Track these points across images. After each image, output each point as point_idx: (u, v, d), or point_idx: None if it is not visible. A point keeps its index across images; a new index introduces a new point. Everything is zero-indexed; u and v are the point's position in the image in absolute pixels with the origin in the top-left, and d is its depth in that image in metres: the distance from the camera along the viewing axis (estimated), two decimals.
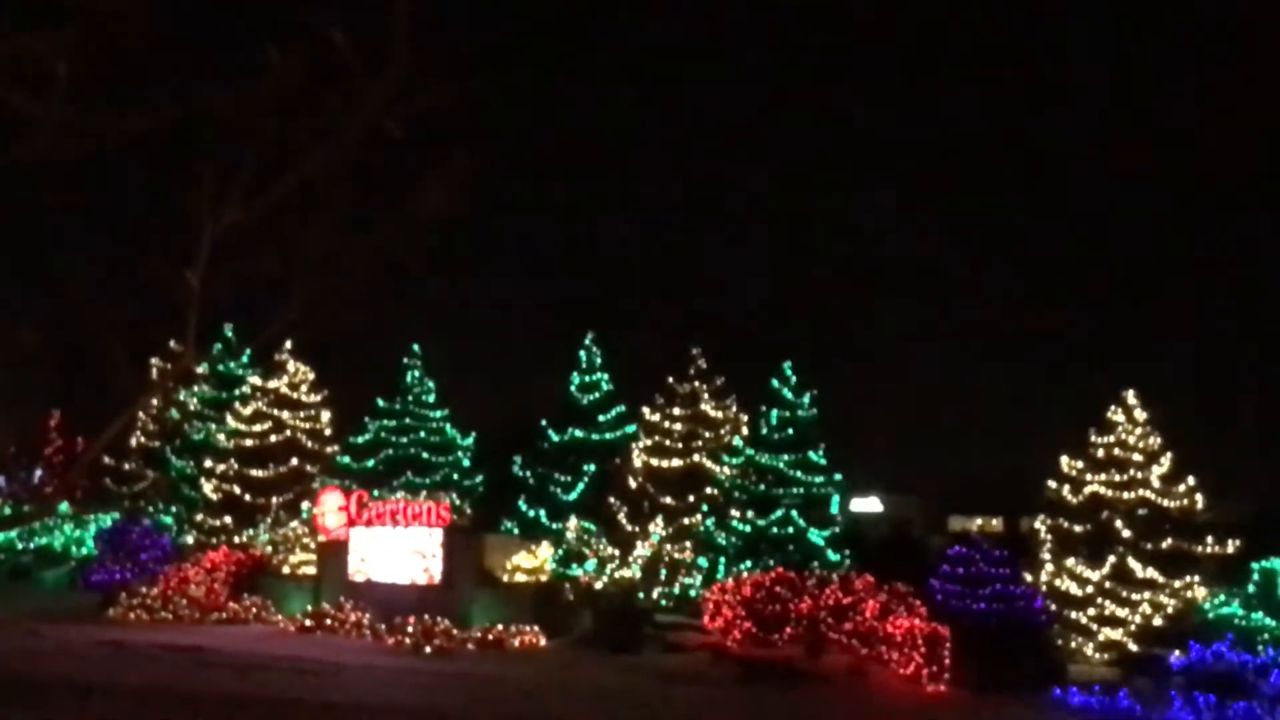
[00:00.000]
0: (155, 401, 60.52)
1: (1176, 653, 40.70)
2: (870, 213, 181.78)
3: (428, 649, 40.44)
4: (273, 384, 58.46)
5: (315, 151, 31.46)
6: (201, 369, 59.48)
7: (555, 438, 58.08)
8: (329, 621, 44.01)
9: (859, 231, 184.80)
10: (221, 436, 58.65)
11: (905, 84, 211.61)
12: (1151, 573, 47.42)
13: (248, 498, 56.62)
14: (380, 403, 58.67)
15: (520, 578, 46.50)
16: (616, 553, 48.12)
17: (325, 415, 59.35)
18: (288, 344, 56.88)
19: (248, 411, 58.41)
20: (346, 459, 57.42)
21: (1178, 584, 47.42)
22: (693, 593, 48.28)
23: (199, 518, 57.41)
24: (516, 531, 54.01)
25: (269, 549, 50.23)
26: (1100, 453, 49.50)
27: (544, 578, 46.51)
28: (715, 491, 54.76)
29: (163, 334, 48.56)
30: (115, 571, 48.97)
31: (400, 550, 45.69)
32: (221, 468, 57.35)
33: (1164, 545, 48.02)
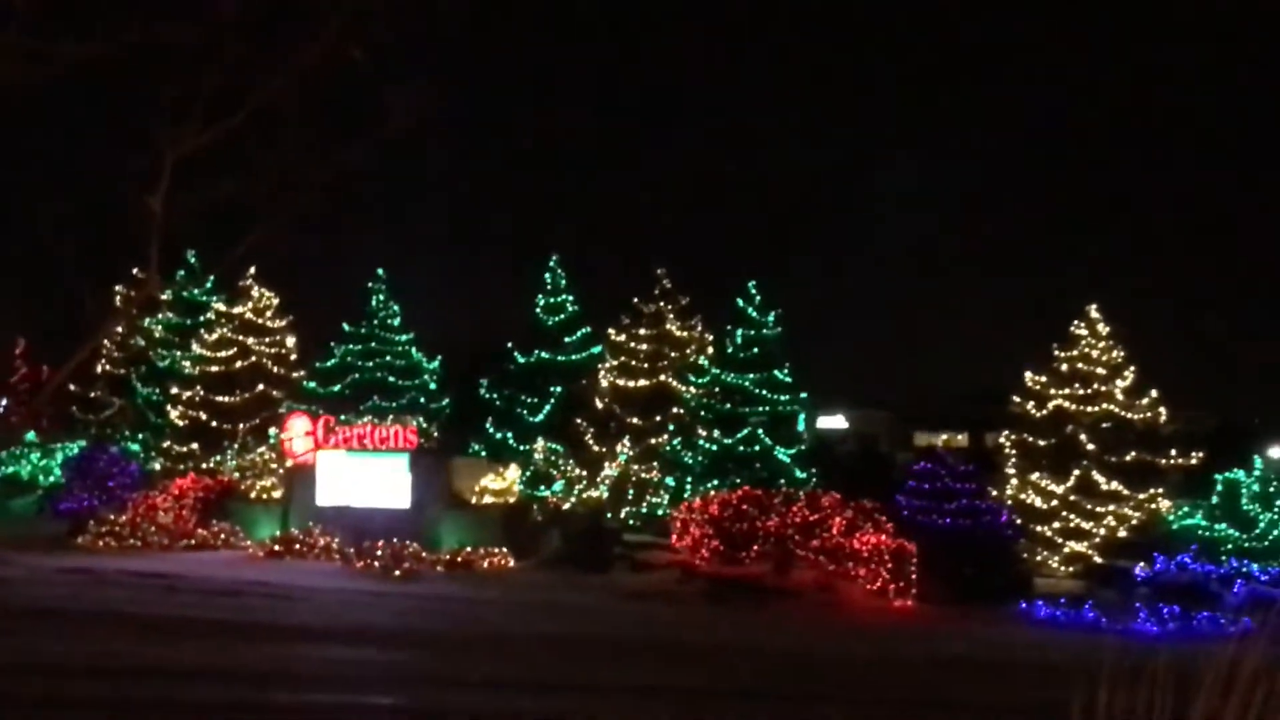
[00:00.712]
0: (120, 329, 60.35)
1: (1141, 564, 41.11)
2: (834, 128, 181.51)
3: (397, 572, 40.52)
4: (237, 310, 58.25)
5: (276, 76, 31.33)
6: (166, 296, 59.16)
7: (521, 360, 58.06)
8: (297, 546, 44.03)
9: (823, 147, 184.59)
10: (187, 363, 58.45)
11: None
12: (1115, 485, 47.80)
13: (214, 424, 56.55)
14: (346, 327, 58.51)
15: (488, 500, 46.60)
16: (584, 473, 48.27)
17: (290, 340, 59.20)
18: (252, 270, 56.69)
19: (213, 338, 58.23)
20: (313, 384, 57.33)
21: (1141, 496, 47.84)
22: (660, 512, 48.56)
23: (166, 444, 57.35)
24: (484, 454, 54.05)
25: (236, 475, 50.19)
26: (1064, 367, 49.82)
27: (512, 499, 46.63)
28: (681, 411, 54.89)
29: (126, 261, 48.44)
30: (83, 499, 48.88)
31: (368, 474, 45.70)
32: (188, 394, 57.23)
33: (1128, 458, 48.38)
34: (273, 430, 51.35)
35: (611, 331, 57.75)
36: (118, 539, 45.48)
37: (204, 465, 53.58)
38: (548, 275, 59.25)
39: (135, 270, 47.94)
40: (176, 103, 31.78)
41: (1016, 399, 50.66)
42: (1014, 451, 50.29)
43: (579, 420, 55.20)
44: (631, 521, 48.81)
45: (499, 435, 56.03)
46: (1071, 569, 47.18)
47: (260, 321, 58.38)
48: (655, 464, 52.04)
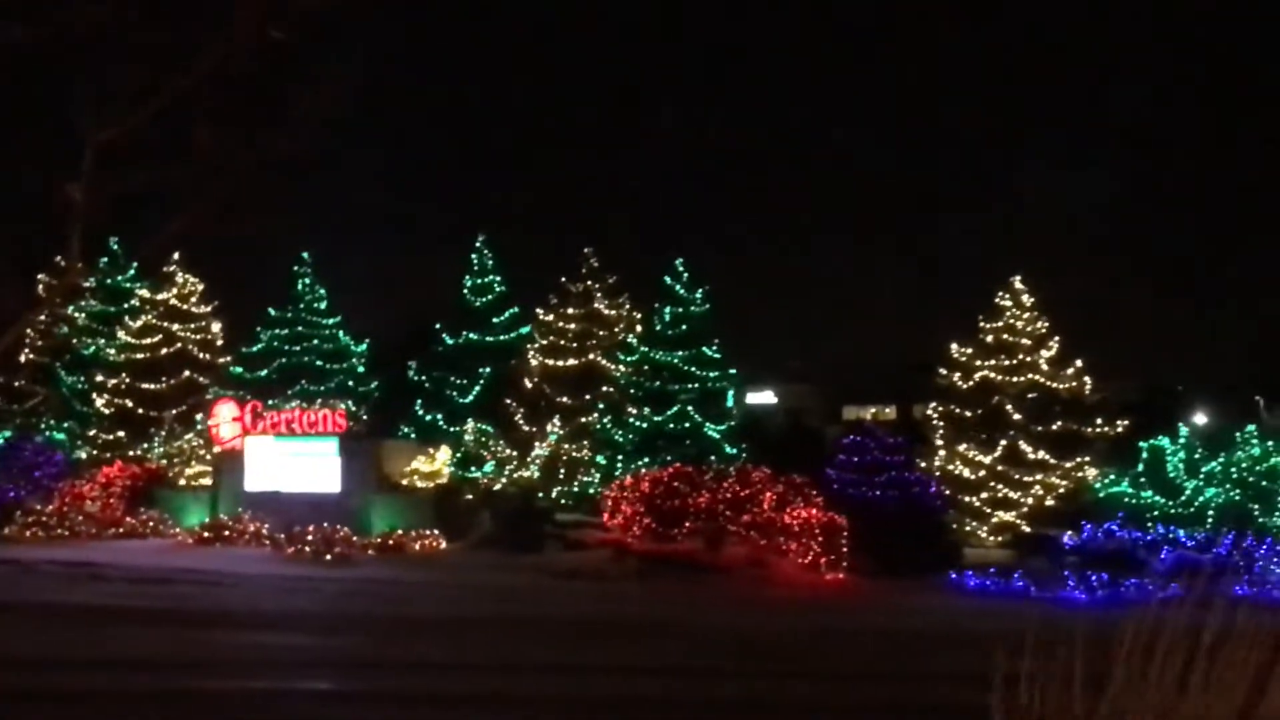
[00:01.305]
0: (43, 317, 59.78)
1: (1069, 533, 41.53)
2: (755, 100, 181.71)
3: (328, 556, 40.40)
4: (162, 296, 57.78)
5: (198, 58, 31.07)
6: (89, 283, 58.65)
7: (450, 341, 57.98)
8: (227, 533, 43.85)
9: (751, 122, 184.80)
10: (112, 351, 57.98)
11: None
12: (1042, 454, 48.23)
13: (141, 411, 56.10)
14: (272, 312, 58.22)
15: (419, 482, 46.57)
16: (515, 453, 48.32)
17: (216, 326, 58.76)
18: (176, 256, 56.25)
19: (138, 325, 57.73)
20: (239, 369, 57.03)
21: (1068, 465, 48.29)
22: (592, 491, 48.61)
23: (92, 433, 56.86)
24: (414, 436, 54.00)
25: (164, 462, 49.92)
26: (990, 338, 50.19)
27: (443, 481, 46.60)
28: (611, 389, 54.89)
29: (49, 249, 47.94)
30: (9, 490, 48.43)
31: (297, 459, 45.55)
32: (113, 382, 56.74)
33: (1054, 427, 48.84)
34: (200, 417, 51.09)
35: (540, 311, 57.67)
36: (45, 529, 45.11)
37: (131, 453, 53.16)
38: (475, 256, 59.15)
39: (58, 258, 47.44)
40: (97, 88, 31.50)
41: (943, 371, 50.98)
42: (942, 423, 50.63)
43: (509, 401, 55.15)
44: (563, 501, 48.85)
45: (428, 417, 55.94)
46: (1000, 539, 47.59)
47: (185, 308, 57.93)
48: (586, 443, 52.06)
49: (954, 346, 50.82)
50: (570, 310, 57.41)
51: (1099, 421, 49.34)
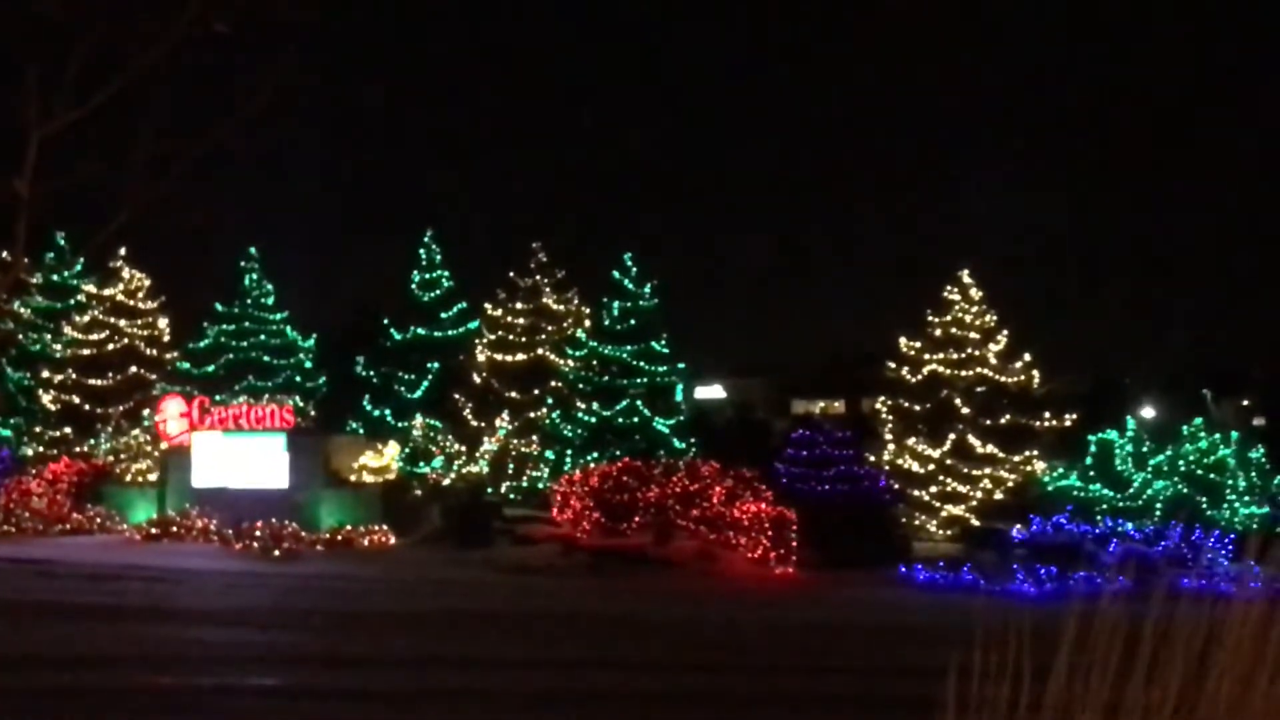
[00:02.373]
0: None
1: (1017, 526, 41.75)
2: (705, 90, 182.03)
3: (276, 552, 40.33)
4: (108, 292, 57.43)
5: (143, 52, 30.96)
6: (35, 279, 58.31)
7: (398, 336, 57.82)
8: (175, 529, 43.66)
9: (696, 113, 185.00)
10: (58, 347, 57.63)
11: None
12: (991, 448, 48.48)
13: (87, 407, 55.78)
14: (219, 307, 57.92)
15: (367, 478, 46.55)
16: (463, 449, 48.27)
17: (163, 322, 58.46)
18: (122, 251, 55.98)
19: (84, 320, 57.39)
20: (186, 365, 56.70)
21: (1017, 458, 48.56)
22: (541, 485, 48.65)
23: (38, 429, 56.53)
24: (362, 431, 53.86)
25: (111, 458, 49.69)
26: (938, 332, 50.39)
27: (391, 477, 46.58)
28: (560, 384, 54.89)
29: None
30: None
31: (245, 455, 45.41)
32: (59, 378, 56.41)
33: (1002, 421, 49.09)
34: (147, 412, 50.87)
35: (488, 306, 57.59)
36: None
37: (78, 449, 52.88)
38: (423, 251, 58.98)
39: (2, 253, 47.12)
40: (42, 81, 31.37)
41: (891, 364, 51.18)
42: (890, 417, 50.84)
43: (457, 396, 55.08)
44: (512, 496, 48.86)
45: (376, 412, 55.82)
46: (949, 532, 47.78)
47: (132, 303, 57.60)
48: (534, 437, 52.07)
49: (902, 340, 51.02)
50: (518, 305, 57.33)
51: (1047, 415, 49.62)
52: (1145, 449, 46.53)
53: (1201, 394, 65.73)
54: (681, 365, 55.64)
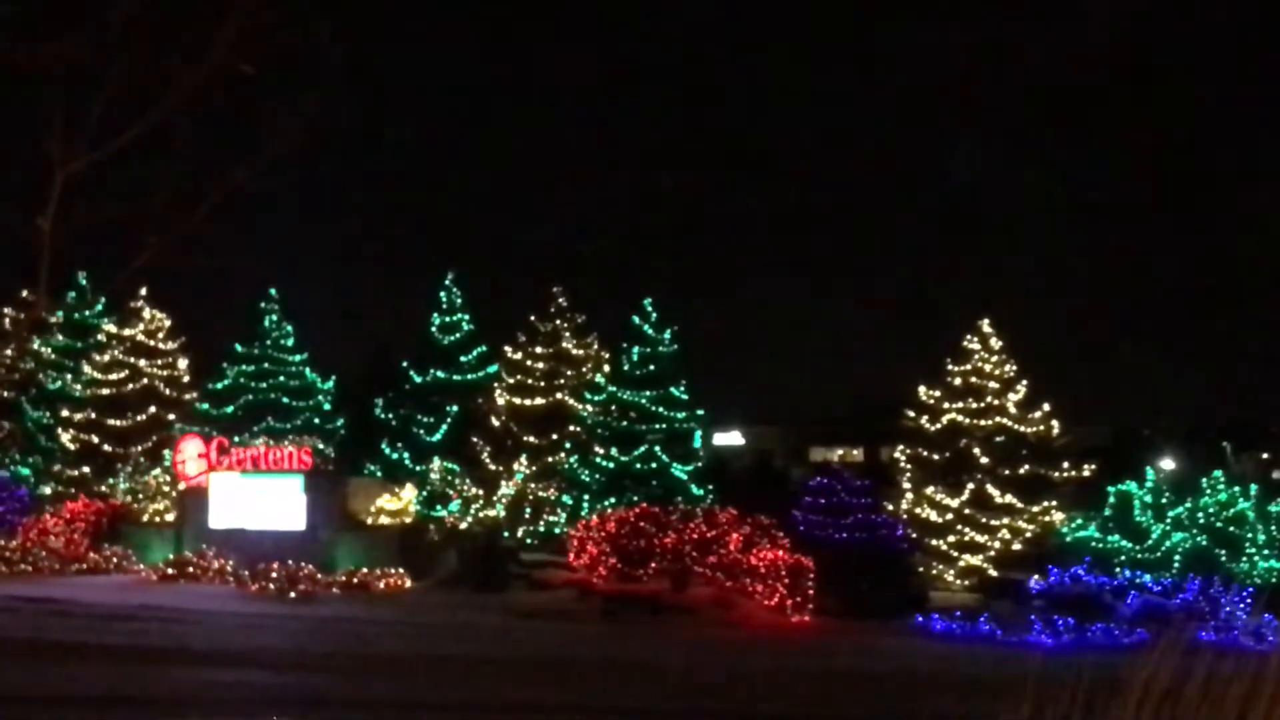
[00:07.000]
0: (9, 351, 59.59)
1: (1035, 577, 41.50)
2: (713, 144, 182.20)
3: (292, 594, 40.26)
4: (128, 331, 57.53)
5: (167, 93, 31.12)
6: (56, 317, 58.51)
7: (417, 379, 57.82)
8: (191, 569, 43.61)
9: (714, 162, 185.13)
10: (78, 386, 57.73)
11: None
12: (1009, 498, 48.25)
13: (106, 447, 55.80)
14: (238, 348, 57.95)
15: (384, 520, 46.44)
16: (481, 492, 48.18)
17: (183, 362, 58.52)
18: (143, 291, 56.15)
19: (104, 360, 57.46)
20: (205, 406, 56.71)
21: (1035, 509, 48.31)
22: (557, 530, 48.51)
23: (57, 468, 56.55)
24: (380, 474, 53.82)
25: (129, 498, 49.70)
26: (957, 381, 50.21)
27: (408, 519, 46.50)
28: (578, 429, 54.82)
29: (15, 282, 47.79)
30: None
31: (262, 496, 45.39)
32: (79, 417, 56.45)
33: (1021, 471, 48.86)
34: (165, 453, 50.88)
35: (508, 349, 57.60)
36: (8, 564, 44.84)
37: (96, 489, 52.89)
38: (443, 293, 59.02)
39: (24, 291, 47.31)
40: (67, 121, 31.55)
41: (910, 413, 51.04)
42: (909, 465, 50.64)
43: (475, 439, 55.02)
44: (529, 540, 48.75)
45: (394, 455, 55.76)
46: (967, 582, 47.55)
47: (152, 343, 57.67)
48: (552, 482, 51.98)
49: (922, 389, 50.89)
50: (538, 349, 57.34)
51: (1066, 465, 49.43)
52: (1164, 500, 46.36)
53: (1221, 446, 65.55)
54: (700, 411, 55.53)
